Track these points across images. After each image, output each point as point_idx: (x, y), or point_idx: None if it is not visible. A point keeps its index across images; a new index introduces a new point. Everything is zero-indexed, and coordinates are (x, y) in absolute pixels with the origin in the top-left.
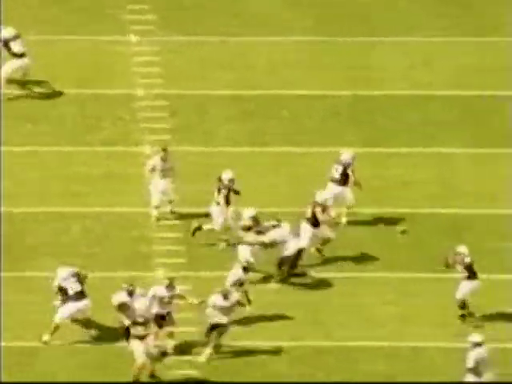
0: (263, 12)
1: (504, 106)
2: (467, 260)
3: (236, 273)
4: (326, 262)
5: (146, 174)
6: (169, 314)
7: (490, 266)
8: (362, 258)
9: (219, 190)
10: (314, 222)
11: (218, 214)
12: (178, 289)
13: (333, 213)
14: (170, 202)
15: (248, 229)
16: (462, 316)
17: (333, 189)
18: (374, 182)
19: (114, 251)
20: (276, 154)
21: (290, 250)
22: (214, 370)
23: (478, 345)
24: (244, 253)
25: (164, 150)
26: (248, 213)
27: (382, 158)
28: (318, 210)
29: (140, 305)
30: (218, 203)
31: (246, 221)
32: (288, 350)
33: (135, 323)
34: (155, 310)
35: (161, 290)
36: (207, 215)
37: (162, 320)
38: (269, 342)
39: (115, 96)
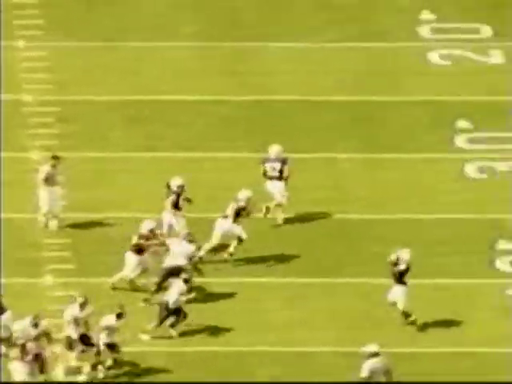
0: (152, 17)
1: (392, 111)
2: (402, 267)
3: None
4: (231, 267)
5: (36, 180)
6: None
7: (375, 271)
8: (263, 263)
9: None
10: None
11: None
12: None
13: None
14: (58, 208)
15: (146, 239)
16: (412, 323)
17: (273, 185)
18: None
19: (2, 257)
20: (168, 159)
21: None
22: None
23: (373, 355)
24: (130, 262)
25: (54, 157)
26: (147, 224)
27: None
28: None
29: (19, 326)
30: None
31: (144, 231)
32: (186, 354)
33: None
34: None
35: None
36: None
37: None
38: (168, 348)
39: (3, 102)
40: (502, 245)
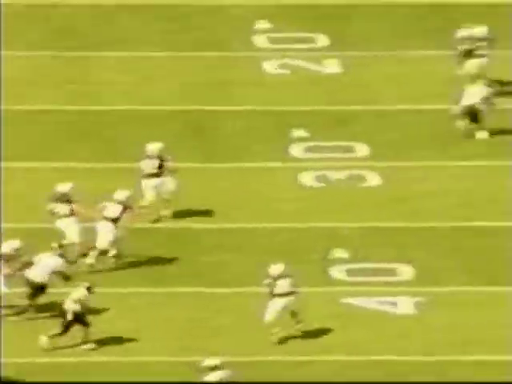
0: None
1: (227, 121)
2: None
3: None
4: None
5: None
6: None
7: (212, 280)
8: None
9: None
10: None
11: (67, 227)
12: None
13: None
14: None
15: (7, 260)
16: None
17: (152, 182)
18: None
19: None
20: (26, 169)
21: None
22: None
23: (214, 368)
24: None
25: None
26: (11, 244)
27: (111, 173)
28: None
29: None
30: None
31: (7, 250)
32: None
33: None
34: None
35: None
36: None
37: None
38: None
39: None
40: (337, 253)
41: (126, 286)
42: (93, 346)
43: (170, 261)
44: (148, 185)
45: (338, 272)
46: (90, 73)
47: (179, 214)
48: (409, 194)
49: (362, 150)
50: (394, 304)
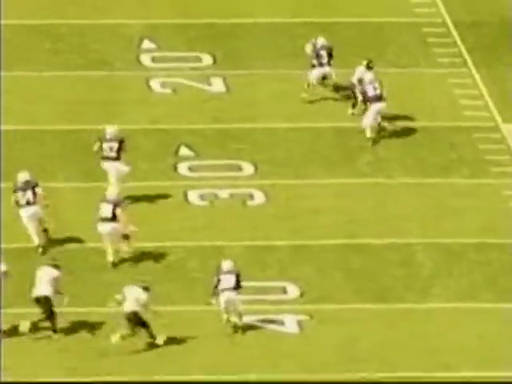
0: None
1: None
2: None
3: None
4: None
5: None
6: None
7: (99, 300)
8: None
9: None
10: None
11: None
12: None
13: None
14: None
15: None
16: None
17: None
18: None
19: None
20: None
21: None
22: None
23: None
24: None
25: None
26: None
27: None
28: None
29: None
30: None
31: None
32: None
33: None
34: None
35: None
36: None
37: None
38: None
39: None
40: None
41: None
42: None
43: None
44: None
45: None
46: None
47: (65, 232)
48: (294, 212)
49: (247, 168)
50: (281, 322)
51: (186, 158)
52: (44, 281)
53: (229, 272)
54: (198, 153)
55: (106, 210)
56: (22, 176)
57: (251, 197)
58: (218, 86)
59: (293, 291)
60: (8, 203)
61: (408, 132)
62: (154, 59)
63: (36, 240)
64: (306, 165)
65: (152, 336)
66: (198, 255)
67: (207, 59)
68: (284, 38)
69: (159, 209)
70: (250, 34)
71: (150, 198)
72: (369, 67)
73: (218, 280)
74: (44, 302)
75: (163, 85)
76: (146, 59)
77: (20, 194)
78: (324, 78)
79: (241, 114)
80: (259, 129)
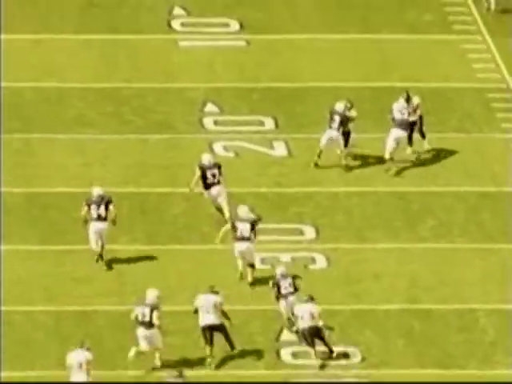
0: None
1: (174, 202)
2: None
3: None
4: None
5: None
6: None
7: None
8: None
9: None
10: None
11: None
12: None
13: None
14: None
15: None
16: None
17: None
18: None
19: None
20: None
21: None
22: None
23: None
24: None
25: None
26: None
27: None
28: None
29: None
30: None
31: None
32: None
33: None
34: None
35: None
36: None
37: None
38: None
39: None
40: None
41: None
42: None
43: None
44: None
45: (285, 354)
46: (38, 155)
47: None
48: (356, 276)
49: (309, 231)
50: None
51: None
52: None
53: (283, 276)
54: (260, 217)
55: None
56: (97, 190)
57: (313, 261)
58: (280, 149)
59: (354, 356)
60: None
61: (471, 197)
62: (216, 122)
63: (94, 246)
64: (368, 229)
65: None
66: (259, 319)
67: (269, 123)
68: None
69: (226, 273)
70: (312, 97)
71: (211, 260)
72: (407, 99)
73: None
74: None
75: (226, 148)
76: (208, 122)
77: (93, 207)
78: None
79: (302, 178)
80: (321, 192)
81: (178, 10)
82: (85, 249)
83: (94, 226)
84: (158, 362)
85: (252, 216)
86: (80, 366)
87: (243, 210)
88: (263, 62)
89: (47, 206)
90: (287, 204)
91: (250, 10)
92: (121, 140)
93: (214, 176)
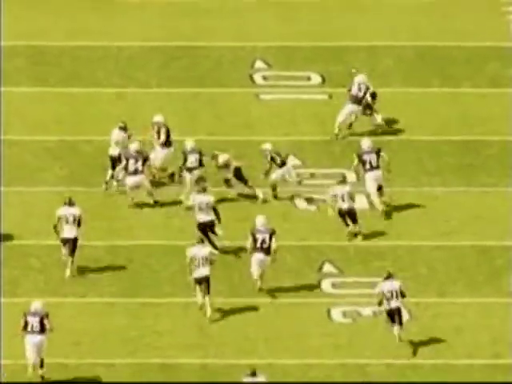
0: None
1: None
2: None
3: None
4: None
5: None
6: None
7: None
8: None
9: None
10: None
11: None
12: None
13: None
14: None
15: None
16: None
17: None
18: None
19: None
20: None
21: None
22: None
23: None
24: None
25: None
26: None
27: (134, 307)
28: None
29: None
30: None
31: None
32: None
33: None
34: None
35: None
36: None
37: None
38: None
39: None
40: None
41: None
42: None
43: None
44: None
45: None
46: (121, 207)
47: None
48: (438, 330)
49: None
50: None
51: (330, 275)
52: None
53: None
54: (341, 270)
55: None
56: (134, 146)
57: None
58: (361, 202)
59: None
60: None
61: None
62: (299, 175)
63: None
64: (450, 283)
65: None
66: (340, 372)
67: (351, 176)
68: (427, 156)
69: (302, 324)
70: (394, 150)
71: (293, 314)
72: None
73: None
74: None
75: (308, 202)
76: (290, 177)
77: (131, 162)
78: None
79: (385, 231)
80: (402, 246)
81: (259, 64)
82: (167, 302)
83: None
84: None
85: (270, 227)
86: None
87: (261, 222)
88: None
89: (129, 258)
90: (369, 257)
91: (332, 64)
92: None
93: None
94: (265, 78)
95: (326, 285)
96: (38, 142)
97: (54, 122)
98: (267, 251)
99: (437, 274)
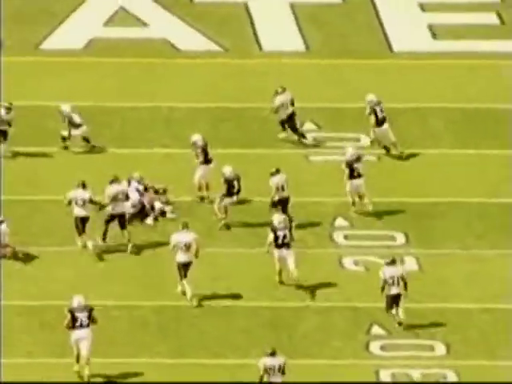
0: None
1: (305, 315)
2: None
3: None
4: None
5: None
6: None
7: None
8: None
9: None
10: None
11: None
12: None
13: None
14: None
15: None
16: None
17: None
18: None
19: None
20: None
21: None
22: None
23: None
24: None
25: None
26: None
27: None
28: None
29: None
30: None
31: None
32: None
33: None
34: None
35: None
36: None
37: None
38: None
39: None
40: None
41: None
42: None
43: None
44: None
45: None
46: (167, 267)
47: None
48: None
49: (439, 348)
50: None
51: (379, 337)
52: None
53: None
54: (390, 332)
55: None
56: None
57: (444, 377)
58: (410, 264)
59: None
60: None
61: None
62: (346, 237)
63: None
64: (500, 347)
65: None
66: None
67: (400, 238)
68: (476, 218)
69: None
70: (443, 213)
71: (341, 377)
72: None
73: None
74: None
75: (356, 263)
76: (338, 236)
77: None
78: None
79: (433, 294)
80: (451, 309)
81: (309, 125)
82: (217, 363)
83: None
84: None
85: (288, 223)
86: None
87: (279, 219)
88: (393, 177)
89: (177, 319)
90: (418, 320)
91: None
92: (251, 253)
93: None
94: (314, 139)
95: (374, 347)
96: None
97: (101, 183)
98: (288, 246)
99: (486, 336)
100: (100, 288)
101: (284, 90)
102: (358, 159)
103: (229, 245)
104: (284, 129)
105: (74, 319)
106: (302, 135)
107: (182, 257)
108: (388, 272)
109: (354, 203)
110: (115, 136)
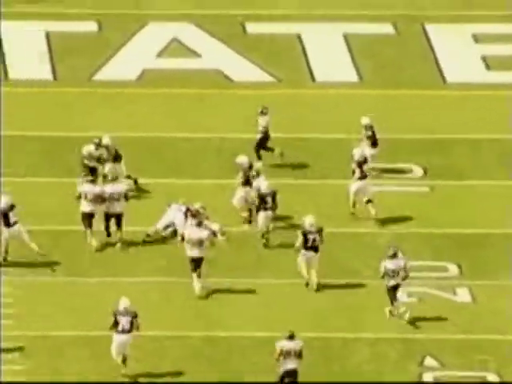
0: None
1: (357, 348)
2: None
3: None
4: None
5: None
6: None
7: None
8: None
9: None
10: None
11: None
12: None
13: None
14: None
15: None
16: None
17: None
18: None
19: None
20: None
21: None
22: None
23: None
24: None
25: None
26: None
27: None
28: None
29: None
30: None
31: None
32: None
33: None
34: None
35: None
36: None
37: None
38: None
39: None
40: None
41: None
42: None
43: None
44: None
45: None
46: (219, 298)
47: None
48: None
49: (493, 380)
50: None
51: (432, 369)
52: None
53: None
54: (443, 363)
55: None
56: None
57: None
58: (464, 296)
59: None
60: None
61: None
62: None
63: None
64: None
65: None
66: None
67: (453, 269)
68: None
69: None
70: (494, 244)
71: None
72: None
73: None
74: None
75: (409, 294)
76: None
77: None
78: None
79: (487, 326)
80: (505, 341)
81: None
82: None
83: None
84: None
85: (318, 226)
86: None
87: (310, 222)
88: (446, 208)
89: (229, 350)
90: (471, 351)
91: (434, 156)
92: (300, 283)
93: None
94: (368, 169)
95: (427, 378)
96: (135, 232)
97: (149, 215)
98: (316, 249)
99: None
100: (152, 317)
101: (267, 110)
102: (365, 161)
103: (279, 275)
104: (259, 158)
105: (116, 322)
106: (271, 149)
107: (193, 252)
108: (389, 265)
109: (354, 205)
110: (168, 166)
